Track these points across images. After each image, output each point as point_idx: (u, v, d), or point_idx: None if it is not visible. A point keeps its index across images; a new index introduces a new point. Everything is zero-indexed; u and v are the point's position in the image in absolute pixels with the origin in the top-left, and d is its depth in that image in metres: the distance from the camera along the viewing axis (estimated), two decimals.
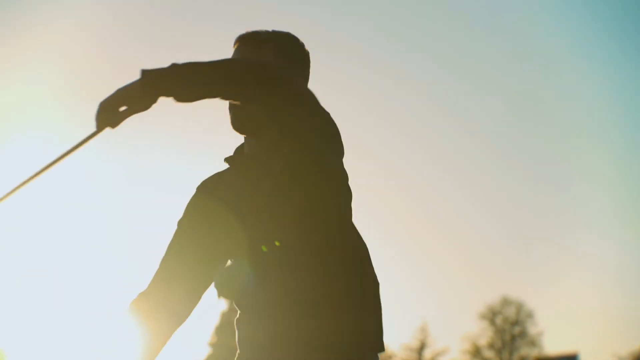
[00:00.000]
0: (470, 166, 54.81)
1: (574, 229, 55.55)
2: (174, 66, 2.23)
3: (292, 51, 2.51)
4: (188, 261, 2.50)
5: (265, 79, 2.27)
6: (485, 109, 54.05)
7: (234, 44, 2.52)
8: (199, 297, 2.53)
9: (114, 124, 2.25)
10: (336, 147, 2.42)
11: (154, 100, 2.24)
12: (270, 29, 2.54)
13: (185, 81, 2.23)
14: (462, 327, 63.43)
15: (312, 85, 2.57)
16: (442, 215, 55.95)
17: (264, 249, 2.39)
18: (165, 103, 2.26)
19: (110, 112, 2.23)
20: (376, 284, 2.41)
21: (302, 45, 2.55)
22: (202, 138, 55.15)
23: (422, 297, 55.47)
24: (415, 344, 47.36)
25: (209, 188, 2.55)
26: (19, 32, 47.51)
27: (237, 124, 2.45)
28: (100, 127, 2.25)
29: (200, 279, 2.50)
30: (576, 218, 55.98)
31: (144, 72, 2.22)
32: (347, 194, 2.43)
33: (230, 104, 2.46)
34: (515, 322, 48.89)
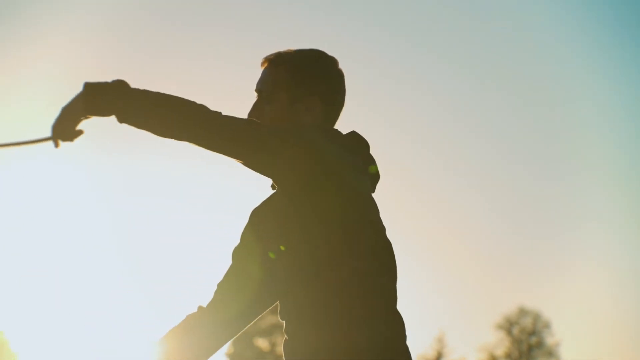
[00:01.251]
0: (486, 174, 54.67)
1: (593, 238, 55.29)
2: (122, 85, 2.28)
3: (309, 70, 2.51)
4: (239, 283, 2.55)
5: (233, 139, 2.28)
6: (499, 114, 53.91)
7: (261, 65, 2.56)
8: (252, 318, 2.58)
9: (68, 138, 2.32)
10: (343, 165, 2.39)
11: (93, 114, 2.28)
12: (296, 48, 2.55)
13: (139, 107, 2.26)
14: (478, 337, 63.09)
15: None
16: (459, 225, 55.80)
17: (272, 255, 2.45)
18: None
19: (63, 131, 2.29)
20: (388, 300, 2.40)
21: (325, 63, 2.54)
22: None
23: (439, 307, 55.32)
24: (432, 354, 47.24)
25: (252, 212, 2.59)
26: (15, 50, 47.70)
27: None
28: (53, 138, 2.31)
29: (250, 300, 2.55)
30: (593, 227, 55.73)
31: (86, 85, 2.28)
32: (361, 208, 2.41)
33: None
34: (532, 333, 48.68)
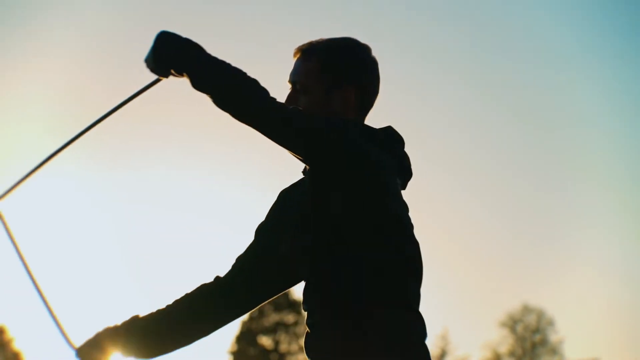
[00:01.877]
0: (488, 174, 54.67)
1: (595, 236, 55.26)
2: (192, 46, 2.30)
3: (343, 59, 2.48)
4: (261, 257, 2.54)
5: (283, 125, 2.30)
6: (506, 116, 53.91)
7: (294, 55, 2.53)
8: (266, 296, 2.55)
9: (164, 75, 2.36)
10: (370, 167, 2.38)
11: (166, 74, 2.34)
12: (328, 37, 2.53)
13: (202, 71, 2.27)
14: (482, 334, 63.14)
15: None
16: (464, 223, 55.78)
17: (292, 239, 2.45)
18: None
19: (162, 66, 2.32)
20: (412, 298, 2.37)
21: (358, 51, 2.51)
22: (202, 145, 55.10)
23: (442, 304, 55.23)
24: (435, 351, 47.17)
25: (281, 193, 2.58)
26: (13, 66, 47.75)
27: None
28: (158, 75, 2.36)
29: (270, 274, 2.53)
30: (598, 226, 55.69)
31: (160, 35, 2.30)
32: (390, 204, 2.39)
33: None
34: (536, 330, 48.65)
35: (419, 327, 2.38)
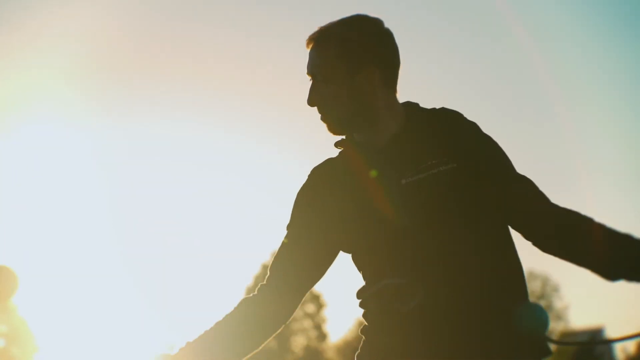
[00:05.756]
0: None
1: (602, 200, 55.30)
2: None
3: (359, 39, 2.39)
4: (302, 252, 2.45)
5: None
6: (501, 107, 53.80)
7: (307, 46, 2.44)
8: (310, 286, 2.48)
9: None
10: None
11: None
12: (337, 20, 2.43)
13: None
14: None
15: None
16: None
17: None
18: None
19: None
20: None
21: (372, 27, 2.41)
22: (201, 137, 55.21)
23: None
24: None
25: (324, 176, 2.47)
26: (30, 16, 47.54)
27: (341, 125, 2.42)
28: None
29: (310, 271, 2.46)
30: (603, 188, 55.70)
31: None
32: None
33: (321, 116, 2.43)
34: (541, 296, 48.86)
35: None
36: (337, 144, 2.48)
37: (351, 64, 2.38)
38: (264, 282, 2.46)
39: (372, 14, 2.44)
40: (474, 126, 2.45)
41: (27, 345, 41.23)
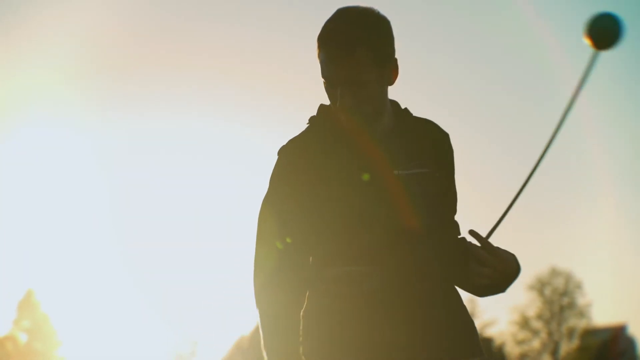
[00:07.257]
0: (520, 133, 54.21)
1: (625, 199, 54.84)
2: None
3: (386, 41, 2.45)
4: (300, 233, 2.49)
5: None
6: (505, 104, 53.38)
7: (335, 52, 2.42)
8: None
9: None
10: None
11: None
12: (352, 15, 2.43)
13: None
14: (510, 298, 62.95)
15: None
16: (490, 184, 55.52)
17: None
18: None
19: None
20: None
21: (389, 28, 2.47)
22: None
23: None
24: None
25: (302, 153, 2.51)
26: (30, 16, 47.66)
27: (367, 121, 2.47)
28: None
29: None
30: (627, 187, 55.22)
31: None
32: None
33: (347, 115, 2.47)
34: (564, 293, 48.54)
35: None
36: (311, 121, 2.54)
37: (382, 68, 2.45)
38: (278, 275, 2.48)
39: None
40: (447, 138, 2.61)
41: (49, 340, 41.60)
